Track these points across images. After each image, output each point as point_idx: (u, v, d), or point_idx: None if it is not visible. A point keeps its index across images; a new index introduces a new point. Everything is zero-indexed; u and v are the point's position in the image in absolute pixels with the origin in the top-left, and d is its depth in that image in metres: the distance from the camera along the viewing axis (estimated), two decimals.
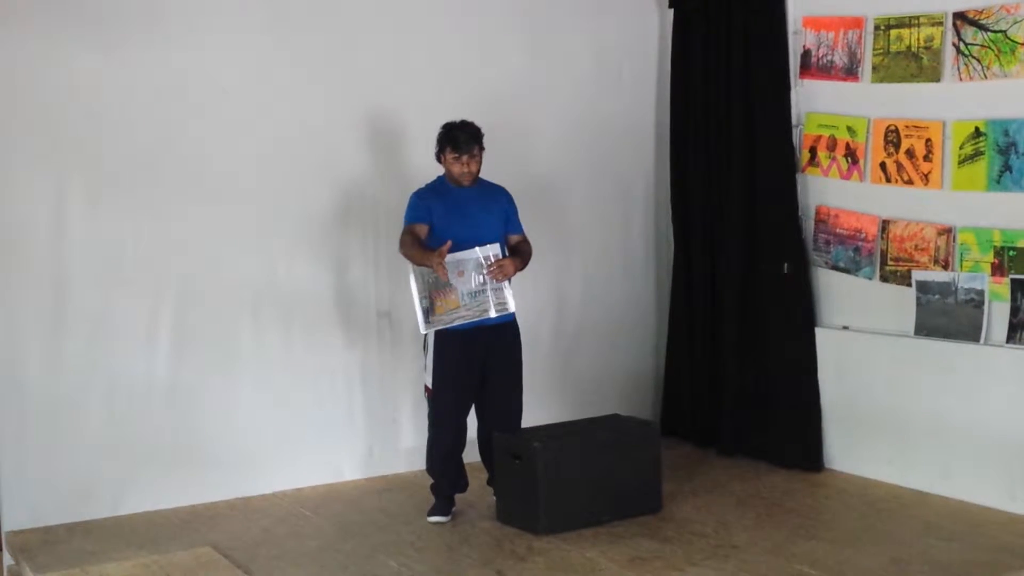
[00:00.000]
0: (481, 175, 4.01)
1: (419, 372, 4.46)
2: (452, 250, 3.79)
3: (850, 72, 4.48)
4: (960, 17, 4.04)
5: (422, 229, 3.83)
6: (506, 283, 3.90)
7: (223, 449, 4.42)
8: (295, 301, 4.56)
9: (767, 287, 4.76)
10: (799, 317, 4.65)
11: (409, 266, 3.87)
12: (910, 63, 4.24)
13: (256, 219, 4.47)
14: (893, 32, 4.29)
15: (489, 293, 3.86)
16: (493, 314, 3.88)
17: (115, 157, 4.20)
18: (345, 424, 4.69)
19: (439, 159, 3.97)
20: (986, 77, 3.97)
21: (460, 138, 3.85)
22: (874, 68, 4.37)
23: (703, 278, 5.09)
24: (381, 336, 4.76)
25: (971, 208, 4.06)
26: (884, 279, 4.40)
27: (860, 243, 4.49)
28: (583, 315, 5.20)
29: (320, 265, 4.61)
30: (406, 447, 4.77)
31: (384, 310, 4.74)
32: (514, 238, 4.07)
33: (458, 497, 4.15)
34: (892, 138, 4.32)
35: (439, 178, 4.03)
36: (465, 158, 3.87)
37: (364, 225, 4.71)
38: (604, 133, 5.21)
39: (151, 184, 4.27)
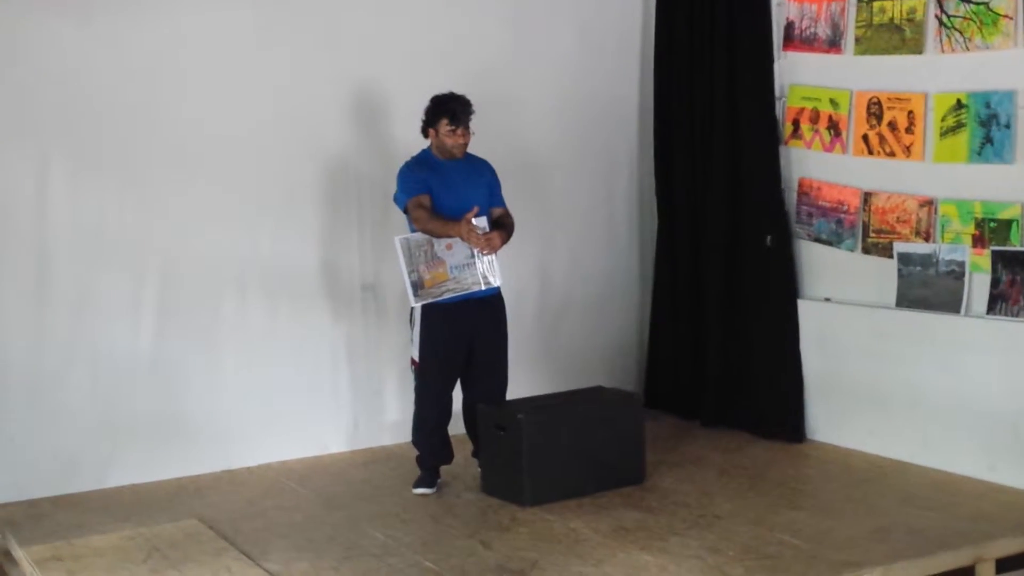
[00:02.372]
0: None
1: (404, 345, 4.46)
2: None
3: (833, 44, 4.45)
4: None
5: (427, 199, 3.82)
6: (493, 256, 3.90)
7: (208, 422, 4.40)
8: (280, 275, 4.54)
9: (750, 259, 4.76)
10: (782, 289, 4.65)
11: (396, 239, 3.86)
12: (893, 35, 4.20)
13: (240, 193, 4.44)
14: (876, 4, 4.25)
15: (477, 266, 3.86)
16: (482, 287, 3.89)
17: (98, 131, 4.17)
18: (330, 397, 4.69)
19: (426, 132, 3.95)
20: (968, 49, 3.94)
21: (457, 109, 3.85)
22: (857, 40, 4.34)
23: (687, 251, 5.08)
24: (366, 310, 4.75)
25: (953, 180, 4.04)
26: (866, 251, 4.39)
27: (842, 215, 4.48)
28: (567, 288, 5.21)
29: (304, 239, 4.60)
30: (391, 420, 4.77)
31: (369, 283, 4.73)
32: (497, 211, 4.04)
33: (443, 469, 4.15)
34: (875, 110, 4.30)
35: (424, 152, 4.01)
36: (461, 129, 3.86)
37: (348, 199, 4.68)
38: (588, 106, 5.18)
39: (135, 158, 4.24)
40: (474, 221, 3.84)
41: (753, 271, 4.75)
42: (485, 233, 3.85)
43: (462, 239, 3.79)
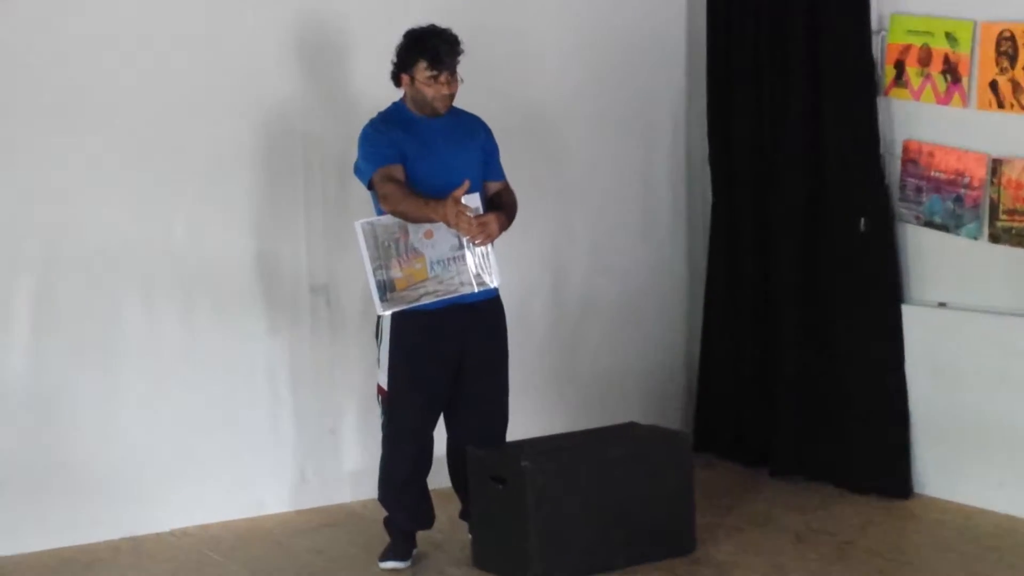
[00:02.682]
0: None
1: (368, 368, 4.43)
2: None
3: None
4: None
5: (400, 171, 3.88)
6: (489, 247, 3.91)
7: (103, 472, 4.39)
8: (199, 273, 4.55)
9: (837, 250, 4.79)
10: (880, 291, 4.67)
11: (357, 224, 3.87)
12: None
13: (148, 164, 4.46)
14: None
15: (467, 260, 3.89)
16: (474, 288, 3.91)
17: None
18: (268, 438, 4.71)
19: (399, 80, 3.96)
20: None
21: (441, 49, 3.87)
22: None
23: (750, 239, 5.12)
24: (316, 319, 4.76)
25: None
26: (994, 238, 4.39)
27: (963, 190, 4.47)
28: (589, 290, 5.26)
29: (233, 223, 4.61)
30: (350, 469, 4.81)
31: (320, 284, 4.74)
32: (494, 186, 4.06)
33: (421, 535, 4.16)
34: (1007, 48, 4.28)
35: (395, 106, 4.02)
36: (445, 76, 3.88)
37: (292, 169, 4.69)
38: (618, 44, 5.22)
39: (4, 114, 4.24)
40: (464, 199, 3.82)
41: (841, 267, 4.78)
42: (478, 216, 3.85)
43: (447, 224, 3.80)
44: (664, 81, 5.30)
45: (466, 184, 3.79)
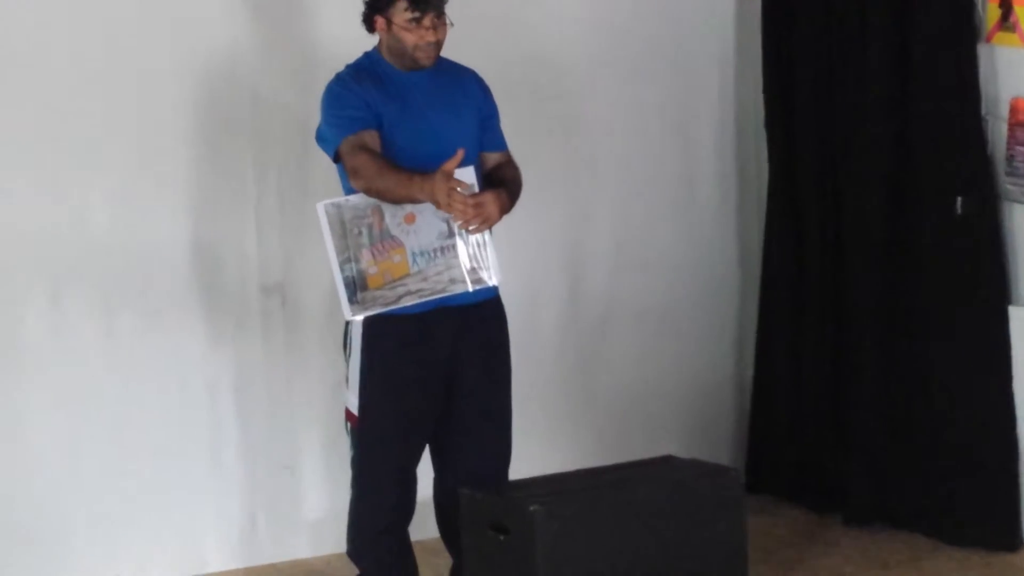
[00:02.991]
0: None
1: (334, 388, 4.48)
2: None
3: None
4: None
5: (374, 138, 3.87)
6: (487, 235, 3.91)
7: (1, 522, 4.41)
8: (122, 267, 4.57)
9: (927, 240, 4.79)
10: (982, 291, 4.67)
11: (320, 206, 3.85)
12: None
13: (59, 132, 4.47)
14: None
15: (459, 252, 3.90)
16: (468, 287, 3.91)
17: None
18: (209, 477, 4.71)
19: (372, 24, 3.95)
20: None
21: None
22: None
23: (818, 227, 5.12)
24: (269, 327, 4.79)
25: None
26: None
27: None
28: (613, 290, 5.26)
29: (164, 207, 4.62)
30: (312, 517, 4.81)
31: (273, 282, 4.77)
32: (492, 158, 4.04)
33: None
34: None
35: (367, 56, 4.02)
36: (430, 18, 3.86)
37: (239, 139, 4.72)
38: None
39: None
40: (456, 174, 3.79)
41: (931, 260, 4.78)
42: (474, 195, 3.82)
43: (436, 206, 3.78)
44: (707, 20, 5.31)
45: (460, 154, 3.76)
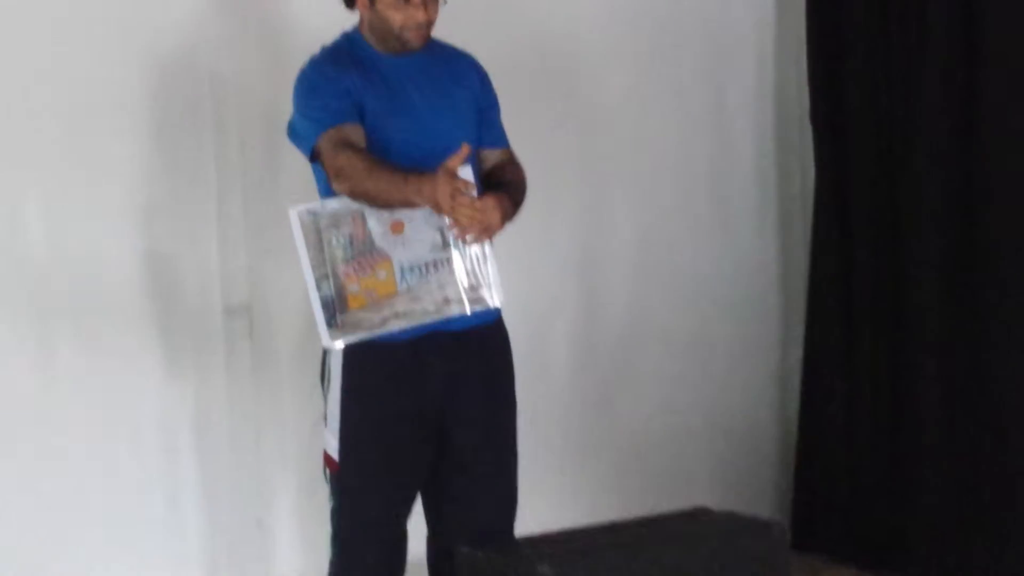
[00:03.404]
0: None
1: (311, 427, 4.39)
2: None
3: None
4: None
5: (357, 133, 3.84)
6: (487, 246, 3.85)
7: None
8: (60, 287, 4.50)
9: (1001, 261, 4.79)
10: None
11: (292, 212, 3.77)
12: None
13: None
14: None
15: (455, 267, 3.84)
16: (466, 310, 3.85)
17: None
18: (165, 532, 4.65)
19: None
20: None
21: None
22: None
23: (873, 238, 5.14)
24: (234, 356, 4.74)
25: None
26: None
27: None
28: (636, 313, 5.29)
29: (111, 214, 4.56)
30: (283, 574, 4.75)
31: (239, 304, 4.72)
32: (492, 156, 4.00)
33: None
34: None
35: (346, 37, 3.98)
36: None
37: (198, 134, 4.67)
38: None
39: None
40: (460, 172, 3.76)
41: (1008, 280, 4.78)
42: (472, 200, 3.76)
43: (438, 210, 3.71)
44: (746, 9, 5.38)
45: (465, 150, 3.71)
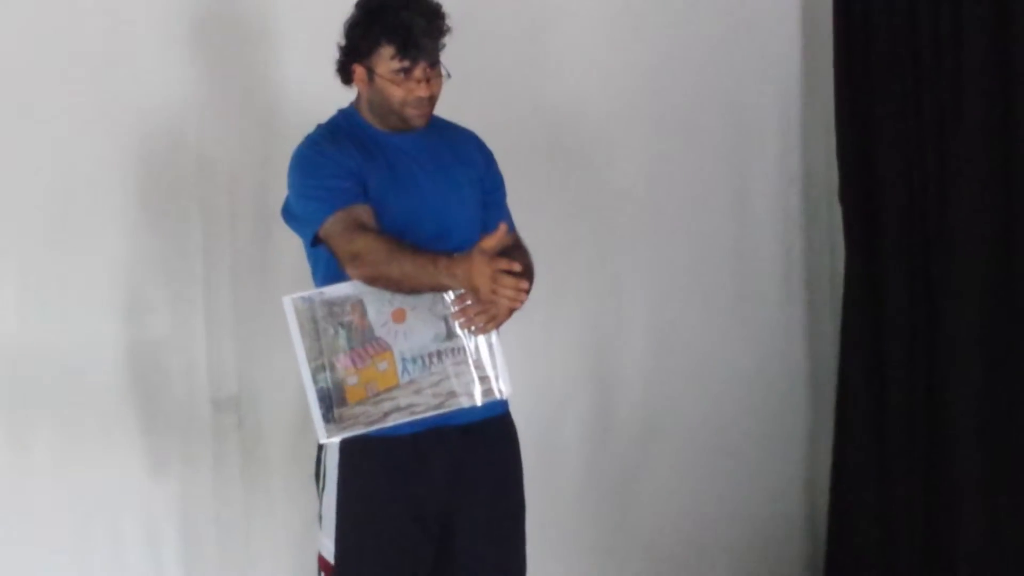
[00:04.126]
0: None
1: (306, 529, 4.38)
2: None
3: None
4: None
5: (369, 214, 3.83)
6: (494, 335, 3.86)
7: None
8: (34, 379, 4.50)
9: None
10: None
11: (287, 301, 3.77)
12: None
13: None
14: None
15: (463, 359, 3.86)
16: (475, 401, 3.86)
17: None
18: None
19: (349, 74, 3.94)
20: None
21: (415, 26, 3.82)
22: None
23: (908, 320, 5.18)
24: (223, 452, 4.72)
25: None
26: None
27: None
28: (653, 404, 5.30)
29: (91, 300, 4.56)
30: None
31: (228, 396, 4.71)
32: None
33: None
34: None
35: (343, 113, 4.01)
36: (421, 68, 3.85)
37: (185, 215, 4.66)
38: (698, 17, 5.37)
39: None
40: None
41: None
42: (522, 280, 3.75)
43: (475, 295, 3.72)
44: (765, 68, 5.42)
45: (502, 228, 3.69)
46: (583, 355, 5.16)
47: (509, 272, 3.67)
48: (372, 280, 3.75)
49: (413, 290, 3.74)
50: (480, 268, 3.64)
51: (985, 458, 4.93)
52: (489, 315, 3.77)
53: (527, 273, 3.88)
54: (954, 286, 5.00)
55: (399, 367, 3.80)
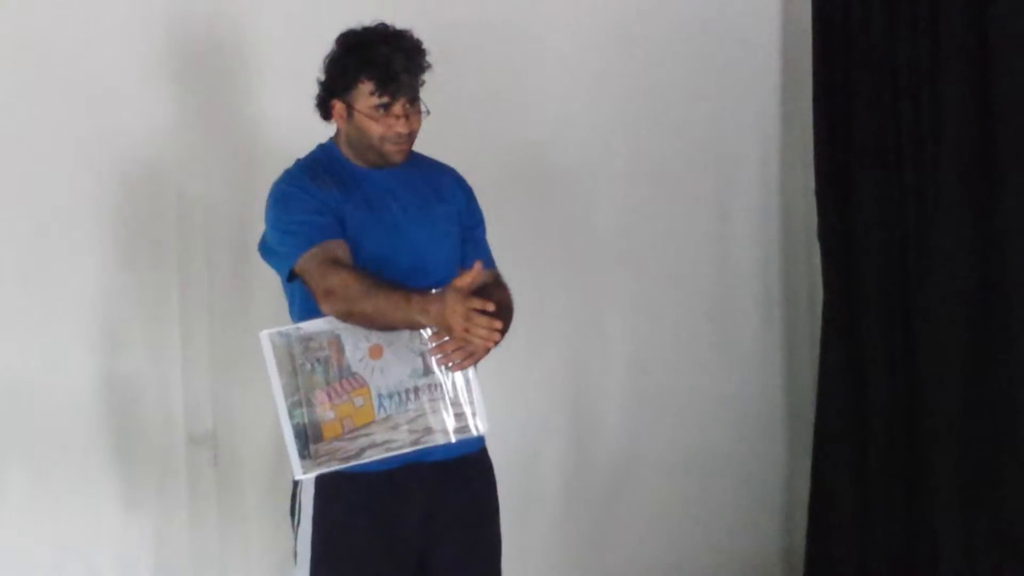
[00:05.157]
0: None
1: (280, 565, 4.47)
2: None
3: None
4: None
5: (344, 250, 3.84)
6: (471, 371, 3.87)
7: None
8: (14, 413, 4.52)
9: None
10: None
11: (264, 337, 3.78)
12: None
13: None
14: None
15: (439, 395, 3.87)
16: (450, 438, 3.87)
17: None
18: None
19: (328, 110, 3.96)
20: None
21: (394, 62, 3.85)
22: None
23: (887, 362, 5.18)
24: (198, 488, 4.73)
25: None
26: None
27: None
28: (631, 440, 5.29)
29: (63, 334, 4.58)
30: None
31: (204, 432, 4.73)
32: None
33: None
34: None
35: (322, 149, 4.03)
36: (401, 105, 3.87)
37: (162, 250, 4.70)
38: (677, 51, 5.37)
39: None
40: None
41: None
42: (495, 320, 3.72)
43: (448, 332, 3.71)
44: (745, 105, 5.46)
45: (478, 267, 3.69)
46: (562, 390, 5.19)
47: (483, 311, 3.66)
48: (346, 316, 3.77)
49: (387, 327, 3.76)
50: (453, 307, 3.64)
51: (965, 487, 4.95)
52: (466, 352, 3.77)
53: (503, 310, 3.90)
54: (932, 315, 5.04)
55: (375, 403, 3.82)
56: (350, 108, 3.89)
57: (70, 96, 4.57)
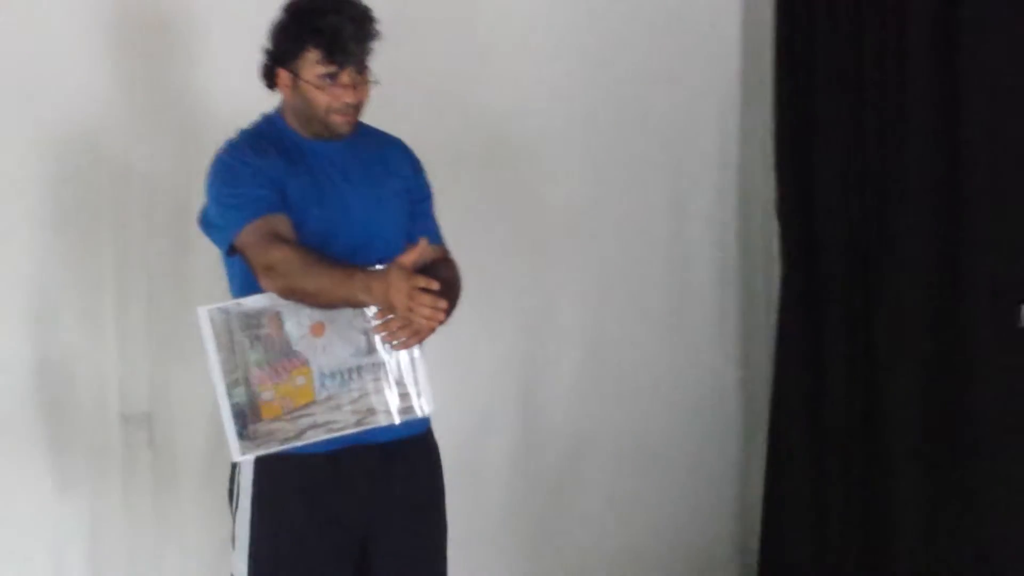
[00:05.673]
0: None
1: (218, 550, 4.30)
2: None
3: None
4: None
5: (286, 225, 3.82)
6: (416, 351, 3.85)
7: None
8: None
9: (981, 360, 4.86)
10: None
11: (201, 311, 3.75)
12: None
13: None
14: None
15: (383, 375, 3.85)
16: (394, 420, 3.85)
17: None
18: None
19: (273, 78, 3.93)
20: None
21: (342, 30, 3.82)
22: None
23: (845, 342, 5.23)
24: (133, 470, 4.70)
25: None
26: None
27: None
28: (583, 424, 5.31)
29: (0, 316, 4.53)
30: None
31: (139, 413, 4.69)
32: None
33: None
34: None
35: (267, 119, 3.99)
36: (348, 74, 3.85)
37: (96, 224, 4.66)
38: (637, 29, 5.39)
39: None
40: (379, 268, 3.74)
41: (991, 390, 4.84)
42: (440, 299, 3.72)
43: (389, 310, 3.70)
44: (704, 88, 5.48)
45: (423, 244, 3.71)
46: (511, 371, 5.21)
47: (427, 290, 3.65)
48: (286, 293, 3.74)
49: (329, 304, 3.73)
50: (397, 284, 3.63)
51: (923, 481, 5.00)
52: (411, 330, 3.74)
53: (449, 288, 3.92)
54: (892, 305, 5.07)
55: (316, 382, 3.80)
56: (296, 77, 3.86)
57: (7, 66, 4.53)
